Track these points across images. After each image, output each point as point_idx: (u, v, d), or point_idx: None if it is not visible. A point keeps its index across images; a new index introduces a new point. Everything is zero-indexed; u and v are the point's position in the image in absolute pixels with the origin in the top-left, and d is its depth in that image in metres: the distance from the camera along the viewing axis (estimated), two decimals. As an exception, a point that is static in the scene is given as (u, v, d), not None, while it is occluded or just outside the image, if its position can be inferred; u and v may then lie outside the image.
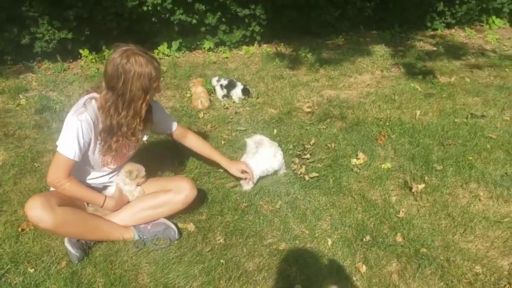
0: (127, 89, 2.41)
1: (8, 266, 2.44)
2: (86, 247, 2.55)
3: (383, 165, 3.55)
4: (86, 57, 5.86)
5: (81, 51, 5.84)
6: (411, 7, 7.73)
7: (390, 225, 2.89)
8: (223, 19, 6.46)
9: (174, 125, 3.09)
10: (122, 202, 2.75)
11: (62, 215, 2.42)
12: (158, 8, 5.81)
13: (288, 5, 6.66)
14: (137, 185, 2.82)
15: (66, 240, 2.52)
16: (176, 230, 2.70)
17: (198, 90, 4.74)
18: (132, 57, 2.41)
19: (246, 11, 6.32)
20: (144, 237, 2.69)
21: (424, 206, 3.07)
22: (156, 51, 6.30)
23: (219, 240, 2.71)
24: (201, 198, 3.06)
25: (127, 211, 2.75)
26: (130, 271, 2.47)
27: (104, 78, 2.48)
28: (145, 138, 3.82)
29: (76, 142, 2.41)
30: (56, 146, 2.45)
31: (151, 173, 2.96)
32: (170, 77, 5.42)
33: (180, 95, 4.93)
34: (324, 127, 4.23)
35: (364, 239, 2.74)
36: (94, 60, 5.83)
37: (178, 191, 2.76)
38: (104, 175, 2.78)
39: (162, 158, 3.58)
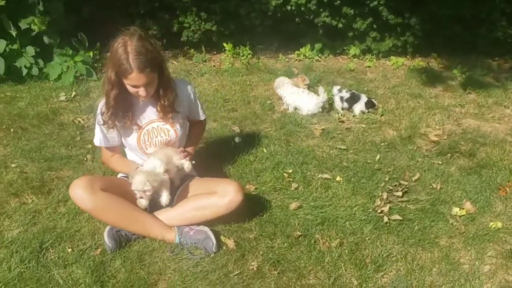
0: (110, 70, 2.46)
1: (52, 240, 2.57)
2: (123, 240, 2.57)
3: (491, 223, 2.88)
4: (229, 51, 6.00)
5: (225, 44, 6.00)
6: None
7: (464, 301, 2.32)
8: (374, 26, 6.00)
9: (202, 116, 3.02)
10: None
11: (103, 200, 2.47)
12: (302, 8, 5.65)
13: (450, 18, 5.87)
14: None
15: (108, 227, 2.57)
16: (214, 242, 2.55)
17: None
18: (120, 39, 2.40)
19: (399, 20, 5.76)
20: (184, 241, 2.59)
21: (523, 289, 2.39)
22: (297, 52, 6.16)
23: (252, 266, 2.47)
24: (258, 214, 2.87)
25: (176, 210, 2.70)
26: (153, 275, 2.40)
27: None
28: (237, 139, 3.79)
29: (98, 130, 2.69)
30: None
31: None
32: (297, 80, 5.24)
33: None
34: (440, 162, 3.62)
35: (419, 311, 2.24)
36: (235, 55, 5.96)
37: (222, 194, 2.60)
38: None
39: (241, 164, 3.45)
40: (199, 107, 2.97)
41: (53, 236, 2.60)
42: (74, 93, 4.48)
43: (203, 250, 2.55)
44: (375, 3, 5.73)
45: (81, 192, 2.45)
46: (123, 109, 2.60)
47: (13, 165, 3.28)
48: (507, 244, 2.72)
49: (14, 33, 4.58)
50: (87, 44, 5.06)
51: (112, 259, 2.48)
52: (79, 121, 3.99)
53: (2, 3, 4.37)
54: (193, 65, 5.66)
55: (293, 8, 5.67)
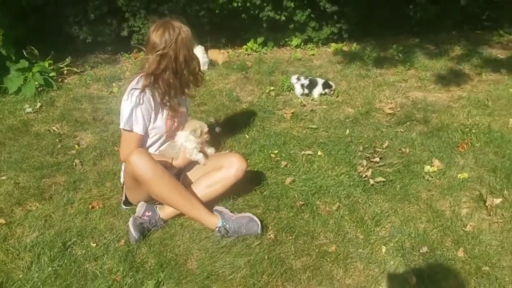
0: (179, 52, 2.65)
1: (75, 239, 2.66)
2: (146, 231, 2.69)
3: (459, 175, 3.30)
4: (179, 50, 6.12)
5: (174, 44, 6.11)
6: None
7: (454, 238, 2.69)
8: (312, 16, 6.40)
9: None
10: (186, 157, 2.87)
11: (161, 171, 2.62)
12: (248, 4, 5.92)
13: (381, 2, 6.42)
14: (201, 142, 2.86)
15: (130, 220, 2.67)
16: (259, 224, 2.70)
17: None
18: (175, 23, 2.66)
19: (335, 8, 6.21)
20: (227, 225, 2.70)
21: (497, 222, 2.81)
22: (245, 46, 6.44)
23: (269, 235, 2.71)
24: (261, 192, 3.10)
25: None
26: (181, 256, 2.56)
27: (151, 52, 2.67)
28: (217, 129, 3.98)
29: (136, 115, 2.69)
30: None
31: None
32: (253, 72, 5.50)
33: (259, 91, 4.98)
34: (402, 130, 4.04)
35: (421, 250, 2.58)
36: (185, 54, 6.09)
37: (229, 166, 2.84)
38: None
39: (229, 149, 3.66)
40: None
41: (73, 235, 2.68)
42: (39, 104, 4.43)
43: (248, 233, 2.68)
44: (313, -7, 6.14)
45: (143, 160, 2.57)
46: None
47: (3, 178, 3.26)
48: (475, 190, 3.15)
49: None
50: (38, 54, 4.98)
51: (138, 248, 2.60)
52: (54, 130, 3.98)
53: None
54: (148, 67, 5.71)
55: (239, 4, 5.92)
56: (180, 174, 2.96)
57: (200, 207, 2.75)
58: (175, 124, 2.91)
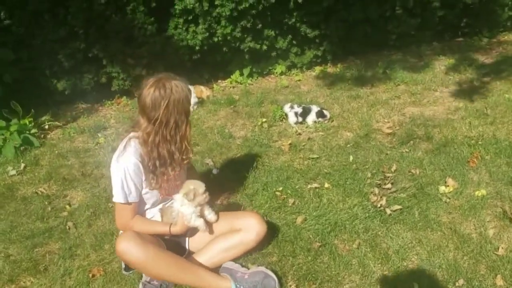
0: (170, 116, 2.39)
1: (77, 316, 2.41)
2: (157, 298, 2.45)
3: (477, 192, 3.14)
4: (162, 90, 5.94)
5: (156, 85, 5.93)
6: (499, 9, 7.09)
7: (487, 264, 2.50)
8: (294, 42, 6.30)
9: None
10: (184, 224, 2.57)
11: (154, 250, 2.40)
12: (228, 37, 5.79)
13: (360, 21, 6.35)
14: (199, 204, 2.53)
15: (140, 287, 2.45)
16: (276, 279, 2.47)
17: None
18: (168, 84, 2.36)
19: (317, 32, 6.11)
20: (241, 287, 2.47)
21: (530, 241, 2.63)
22: (229, 79, 6.28)
23: (291, 286, 2.48)
24: (271, 236, 2.87)
25: (203, 256, 2.64)
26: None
27: (142, 113, 2.44)
28: (215, 171, 3.77)
29: (128, 185, 2.44)
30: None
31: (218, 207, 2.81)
32: (242, 105, 5.32)
33: (251, 124, 4.79)
34: (407, 150, 3.87)
35: (457, 283, 2.37)
36: (169, 93, 5.91)
37: (247, 229, 2.62)
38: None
39: (231, 191, 3.44)
40: None
41: (75, 311, 2.42)
42: (23, 164, 4.17)
43: None
44: (293, 20, 6.04)
45: (132, 244, 2.35)
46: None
47: (-9, 252, 2.98)
48: (497, 207, 2.99)
49: None
50: (21, 112, 4.75)
51: (148, 318, 2.35)
52: (41, 192, 3.72)
53: None
54: (132, 112, 5.51)
55: (220, 38, 5.78)
56: (185, 238, 2.72)
57: (207, 276, 2.51)
58: (175, 185, 2.66)
